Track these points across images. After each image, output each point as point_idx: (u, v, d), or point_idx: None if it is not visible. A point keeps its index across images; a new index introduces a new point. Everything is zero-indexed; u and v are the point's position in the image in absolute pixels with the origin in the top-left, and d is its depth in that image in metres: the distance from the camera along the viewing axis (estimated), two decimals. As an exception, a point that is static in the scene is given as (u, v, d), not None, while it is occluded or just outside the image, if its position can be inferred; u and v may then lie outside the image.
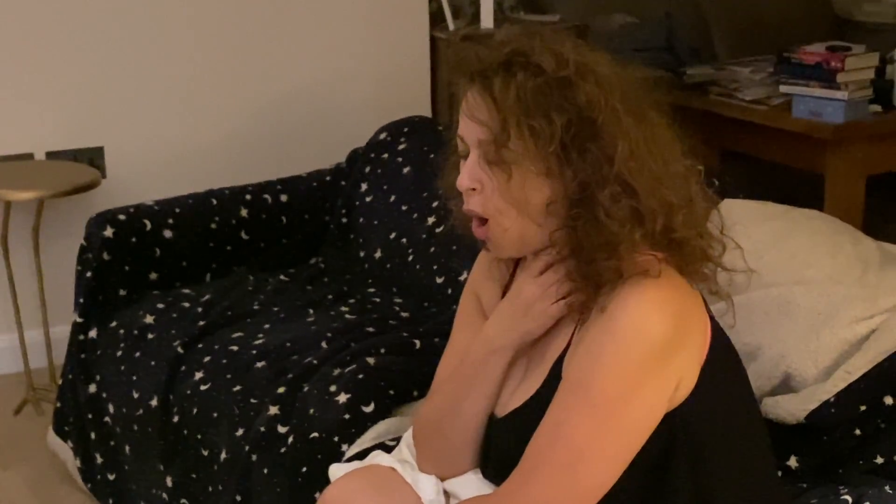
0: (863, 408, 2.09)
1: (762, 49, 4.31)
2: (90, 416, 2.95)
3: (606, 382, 1.55)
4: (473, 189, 1.63)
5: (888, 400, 2.09)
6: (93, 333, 2.98)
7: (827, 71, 3.85)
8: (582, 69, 1.60)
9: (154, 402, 2.71)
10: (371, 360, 2.48)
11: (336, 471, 1.94)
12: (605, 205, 1.57)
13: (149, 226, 3.03)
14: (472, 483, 1.79)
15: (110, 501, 2.93)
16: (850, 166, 3.96)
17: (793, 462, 2.13)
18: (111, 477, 2.92)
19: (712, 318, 1.70)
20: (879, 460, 2.07)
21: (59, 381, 3.11)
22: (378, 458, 1.94)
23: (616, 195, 1.57)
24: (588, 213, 1.58)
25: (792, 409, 2.14)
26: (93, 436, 2.95)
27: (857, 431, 2.10)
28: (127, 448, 2.83)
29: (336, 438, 2.30)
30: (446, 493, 1.82)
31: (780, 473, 2.06)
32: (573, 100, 1.58)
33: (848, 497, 1.97)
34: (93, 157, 3.79)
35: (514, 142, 1.58)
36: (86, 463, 2.99)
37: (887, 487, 1.99)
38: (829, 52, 3.89)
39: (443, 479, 1.82)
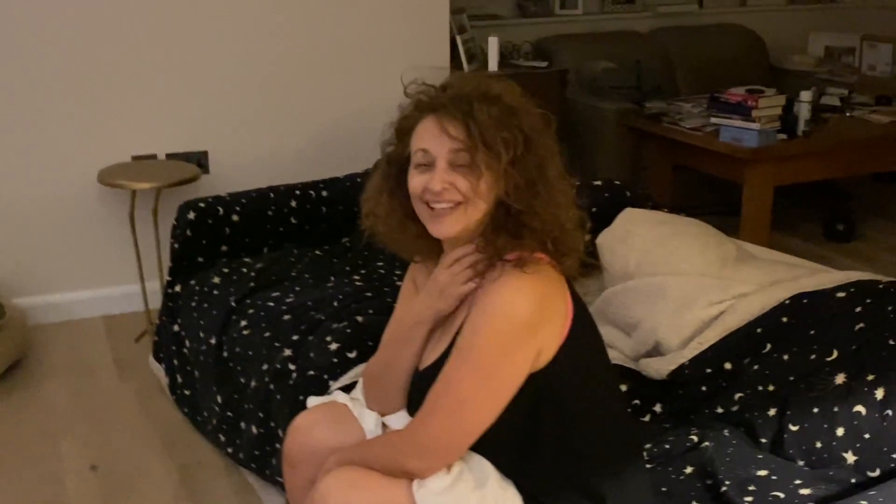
0: (708, 370, 2.08)
1: (714, 87, 4.21)
2: (174, 347, 2.96)
3: (484, 349, 1.51)
4: (445, 189, 1.56)
5: (727, 365, 2.08)
6: (178, 288, 2.99)
7: (745, 108, 3.82)
8: (521, 101, 1.58)
9: (213, 341, 2.71)
10: (360, 319, 2.46)
11: (310, 402, 1.91)
12: (526, 203, 1.55)
13: (221, 211, 3.02)
14: (402, 419, 1.76)
15: (186, 409, 2.94)
16: (762, 179, 3.94)
17: (658, 408, 2.13)
18: (187, 392, 2.91)
19: (578, 302, 1.63)
20: (720, 410, 2.06)
21: (157, 321, 3.13)
22: (337, 396, 1.91)
23: (533, 198, 1.55)
24: (512, 208, 1.56)
25: (658, 368, 2.14)
26: (176, 362, 2.97)
27: (704, 388, 2.08)
28: (196, 373, 2.83)
29: (326, 376, 2.29)
30: (384, 426, 1.79)
31: (647, 417, 2.05)
32: (520, 123, 1.55)
33: (695, 437, 1.96)
34: (200, 159, 3.76)
35: (482, 150, 1.53)
36: (172, 381, 3.00)
37: (725, 431, 1.98)
38: (748, 93, 3.86)
39: (382, 415, 1.80)
